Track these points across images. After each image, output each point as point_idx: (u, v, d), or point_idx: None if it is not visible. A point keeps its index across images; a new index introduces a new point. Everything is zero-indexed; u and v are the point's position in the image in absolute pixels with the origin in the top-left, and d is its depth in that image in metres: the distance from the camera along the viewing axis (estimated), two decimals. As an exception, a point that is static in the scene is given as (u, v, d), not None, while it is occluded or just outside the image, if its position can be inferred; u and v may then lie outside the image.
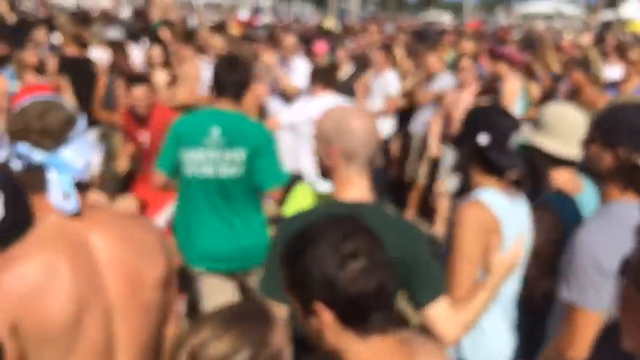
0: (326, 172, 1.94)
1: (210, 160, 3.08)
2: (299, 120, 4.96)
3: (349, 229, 1.28)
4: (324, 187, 4.21)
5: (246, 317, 1.22)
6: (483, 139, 2.15)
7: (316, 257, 1.25)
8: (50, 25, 6.25)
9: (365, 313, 1.26)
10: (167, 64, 6.59)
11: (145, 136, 4.54)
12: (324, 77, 4.86)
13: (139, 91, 4.41)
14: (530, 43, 8.20)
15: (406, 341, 1.33)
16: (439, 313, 1.86)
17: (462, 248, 2.09)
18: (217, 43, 6.62)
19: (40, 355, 1.51)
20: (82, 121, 1.62)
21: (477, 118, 2.24)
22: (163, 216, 4.31)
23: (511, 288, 2.24)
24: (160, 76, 6.42)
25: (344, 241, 1.25)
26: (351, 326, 1.27)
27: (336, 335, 1.29)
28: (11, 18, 8.60)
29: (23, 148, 1.53)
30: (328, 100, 4.56)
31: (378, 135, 1.92)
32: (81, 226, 1.60)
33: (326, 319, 1.27)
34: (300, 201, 4.42)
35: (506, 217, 2.14)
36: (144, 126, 4.52)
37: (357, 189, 1.88)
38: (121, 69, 5.61)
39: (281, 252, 1.36)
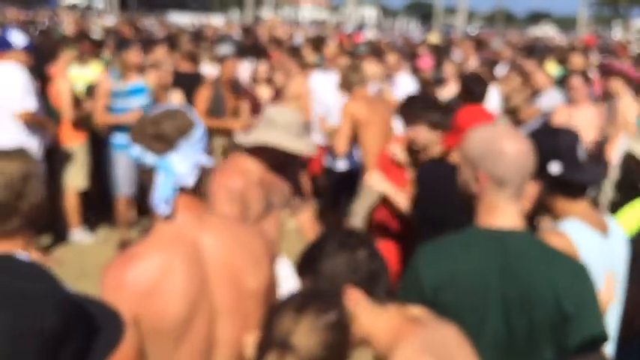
0: (470, 198, 1.72)
1: None
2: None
3: (347, 232, 1.65)
4: None
5: (320, 293, 1.45)
6: (555, 167, 1.99)
7: (332, 256, 1.56)
8: (170, 43, 6.66)
9: (381, 286, 1.57)
10: (271, 80, 6.82)
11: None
12: None
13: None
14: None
15: (418, 314, 1.60)
16: None
17: None
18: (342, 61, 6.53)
19: (152, 346, 1.61)
20: (198, 131, 1.65)
21: (536, 150, 2.02)
22: None
23: None
24: (265, 92, 6.67)
25: (348, 238, 1.60)
26: (373, 297, 1.56)
27: (364, 309, 1.55)
28: (135, 37, 9.29)
29: (137, 150, 1.63)
30: None
31: (534, 158, 1.68)
32: (197, 229, 1.67)
33: (357, 295, 1.54)
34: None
35: (591, 253, 1.93)
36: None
37: (505, 215, 1.65)
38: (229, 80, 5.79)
39: (297, 268, 1.65)
